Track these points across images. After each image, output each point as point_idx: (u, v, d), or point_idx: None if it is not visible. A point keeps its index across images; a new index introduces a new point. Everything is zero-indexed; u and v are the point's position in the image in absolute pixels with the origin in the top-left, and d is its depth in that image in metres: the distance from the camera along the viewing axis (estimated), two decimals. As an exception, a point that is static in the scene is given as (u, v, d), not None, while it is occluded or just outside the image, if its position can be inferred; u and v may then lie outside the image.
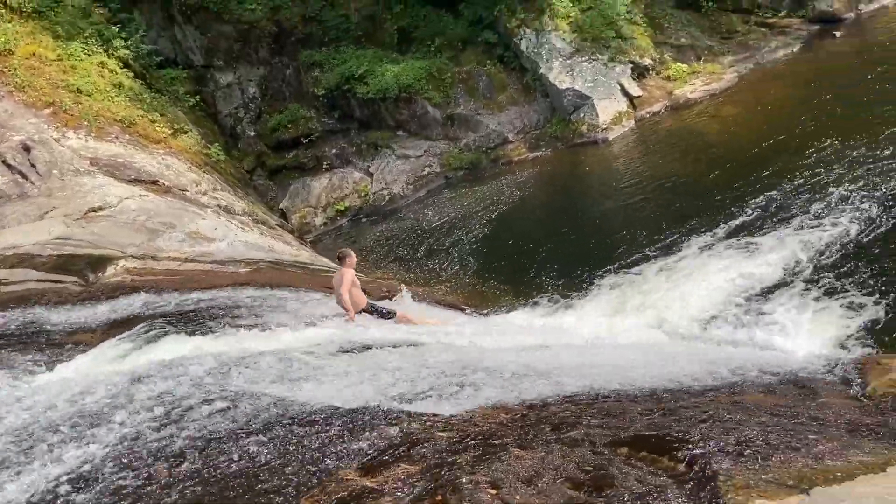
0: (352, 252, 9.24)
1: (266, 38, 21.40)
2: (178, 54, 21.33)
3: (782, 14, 21.67)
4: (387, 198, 19.08)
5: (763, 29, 21.46)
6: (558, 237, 13.34)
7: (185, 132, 17.66)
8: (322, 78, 20.80)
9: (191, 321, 8.33)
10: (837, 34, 20.15)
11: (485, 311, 10.90)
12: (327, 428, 4.38)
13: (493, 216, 15.75)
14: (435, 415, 4.54)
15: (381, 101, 20.13)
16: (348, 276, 8.80)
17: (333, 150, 20.42)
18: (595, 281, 10.86)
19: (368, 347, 7.14)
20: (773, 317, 8.40)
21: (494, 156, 19.49)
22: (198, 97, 20.54)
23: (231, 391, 5.33)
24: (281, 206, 19.43)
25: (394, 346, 7.28)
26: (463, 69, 20.67)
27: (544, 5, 20.30)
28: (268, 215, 17.47)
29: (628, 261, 11.16)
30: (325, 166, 20.16)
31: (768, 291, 9.03)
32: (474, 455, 3.75)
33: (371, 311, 9.01)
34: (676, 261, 10.54)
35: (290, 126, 20.69)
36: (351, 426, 4.38)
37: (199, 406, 5.00)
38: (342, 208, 19.08)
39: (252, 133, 21.13)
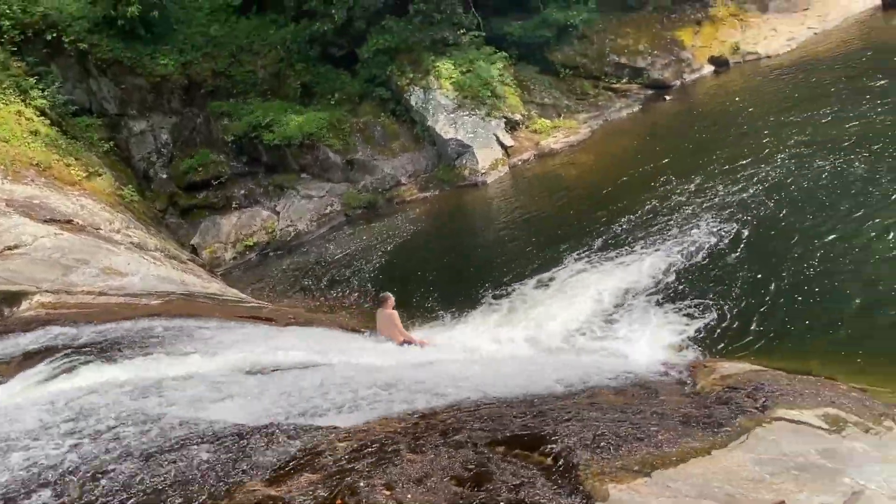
0: (390, 294, 9.52)
1: (178, 90, 20.70)
2: (93, 104, 20.27)
3: (624, 81, 22.99)
4: (292, 234, 18.71)
5: (609, 92, 22.64)
6: (446, 264, 13.46)
7: (100, 175, 16.75)
8: (231, 126, 20.28)
9: (105, 351, 7.83)
10: (668, 97, 21.61)
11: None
12: (235, 445, 4.23)
13: (389, 248, 15.72)
14: (336, 427, 4.47)
15: (287, 147, 19.82)
16: (395, 317, 9.20)
17: (242, 191, 19.87)
18: (479, 301, 10.97)
19: (276, 369, 6.95)
20: (623, 329, 8.68)
21: (389, 196, 19.49)
22: (112, 143, 19.56)
23: (144, 415, 5.05)
24: (192, 242, 18.66)
25: (301, 367, 7.11)
26: (360, 120, 20.66)
27: (430, 67, 20.67)
28: (179, 251, 16.73)
29: (507, 283, 11.36)
30: (234, 205, 19.56)
31: (620, 307, 9.37)
32: (371, 461, 3.72)
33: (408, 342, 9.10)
34: (548, 281, 10.85)
35: (200, 169, 19.99)
36: (257, 442, 4.24)
37: (113, 429, 4.71)
38: (251, 244, 18.54)
39: (164, 175, 20.27)
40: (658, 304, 9.06)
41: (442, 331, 10.13)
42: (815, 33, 23.67)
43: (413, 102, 20.29)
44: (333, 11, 20.70)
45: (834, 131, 13.45)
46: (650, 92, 22.65)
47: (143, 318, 9.54)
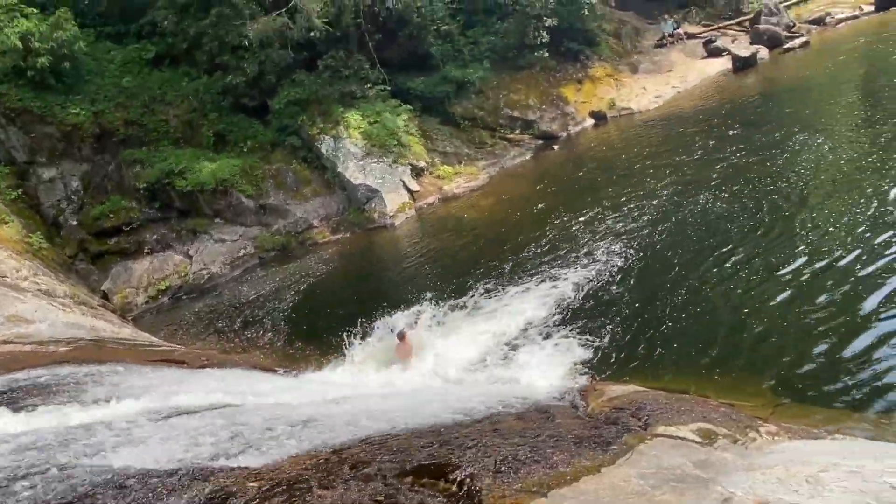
0: (405, 330, 9.85)
1: (89, 138, 19.60)
2: (1, 152, 18.88)
3: (517, 131, 23.82)
4: (206, 277, 17.94)
5: (504, 142, 23.38)
6: (357, 301, 13.25)
7: (7, 223, 15.55)
8: (143, 173, 19.37)
9: (11, 401, 7.13)
10: (556, 146, 22.55)
11: (295, 371, 10.43)
12: (143, 491, 3.92)
13: (301, 288, 15.35)
14: (246, 467, 4.23)
15: (200, 192, 19.11)
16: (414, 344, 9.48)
17: (154, 236, 18.92)
18: (387, 336, 10.81)
19: (187, 412, 6.53)
20: (524, 358, 8.75)
21: (302, 238, 19.12)
22: (20, 191, 18.22)
23: (49, 464, 4.60)
24: (103, 287, 17.51)
25: (213, 409, 6.73)
26: (273, 167, 20.28)
27: (339, 118, 20.66)
28: (90, 297, 15.65)
29: (414, 316, 11.27)
30: (146, 250, 18.58)
31: (521, 336, 9.48)
32: (281, 500, 3.54)
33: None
34: (455, 314, 10.86)
35: (112, 215, 18.90)
36: (166, 486, 3.95)
37: (15, 481, 4.25)
38: (163, 287, 17.61)
39: (74, 222, 19.01)
40: (555, 332, 9.26)
41: (353, 368, 9.91)
42: (678, 91, 25.46)
43: (324, 150, 20.16)
44: (245, 65, 20.39)
45: (702, 172, 14.38)
46: (540, 142, 23.53)
47: (51, 366, 8.79)
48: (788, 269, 8.90)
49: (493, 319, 10.12)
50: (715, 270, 9.56)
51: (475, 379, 8.31)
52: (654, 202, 13.44)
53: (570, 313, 9.75)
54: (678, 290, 9.28)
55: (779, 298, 8.17)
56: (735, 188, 12.69)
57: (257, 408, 6.72)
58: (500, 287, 11.48)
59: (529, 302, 10.46)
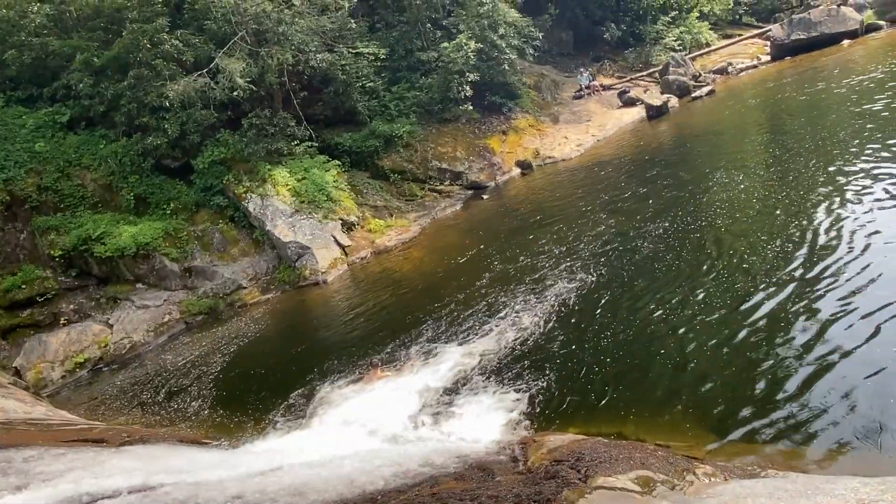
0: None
1: (-2, 206, 18.58)
2: None
3: (447, 183, 24.20)
4: (128, 346, 16.99)
5: (434, 193, 23.69)
6: (291, 362, 12.81)
7: None
8: (58, 240, 18.41)
9: None
10: (485, 196, 22.96)
11: (226, 442, 9.89)
12: None
13: (230, 351, 14.74)
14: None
15: (120, 258, 18.27)
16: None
17: (71, 306, 17.87)
18: (324, 396, 10.44)
19: (104, 497, 6.03)
20: (462, 411, 8.60)
21: (231, 300, 18.52)
22: (-82, 264, 16.97)
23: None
24: (15, 364, 16.30)
25: (134, 492, 6.24)
26: (198, 228, 19.74)
27: (266, 176, 20.43)
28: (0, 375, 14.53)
29: (350, 374, 10.98)
30: (62, 321, 17.48)
31: (458, 389, 9.32)
32: None
33: None
34: (390, 368, 10.62)
35: (24, 286, 17.77)
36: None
37: None
38: (81, 360, 16.54)
39: (-19, 296, 17.76)
40: (492, 383, 9.15)
41: (284, 434, 9.49)
42: (598, 140, 26.60)
43: (251, 209, 19.80)
44: (166, 126, 19.96)
45: (629, 215, 14.83)
46: (470, 192, 23.97)
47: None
48: (721, 308, 9.18)
49: (429, 373, 9.95)
50: (649, 312, 9.76)
51: (412, 437, 8.07)
52: (586, 246, 13.76)
53: (506, 362, 9.70)
54: (614, 333, 9.40)
55: (714, 338, 8.37)
56: (660, 230, 13.16)
57: (181, 487, 6.28)
58: (434, 340, 11.36)
59: (464, 353, 10.36)
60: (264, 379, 12.34)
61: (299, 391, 10.96)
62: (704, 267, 10.68)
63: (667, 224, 13.37)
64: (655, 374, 8.01)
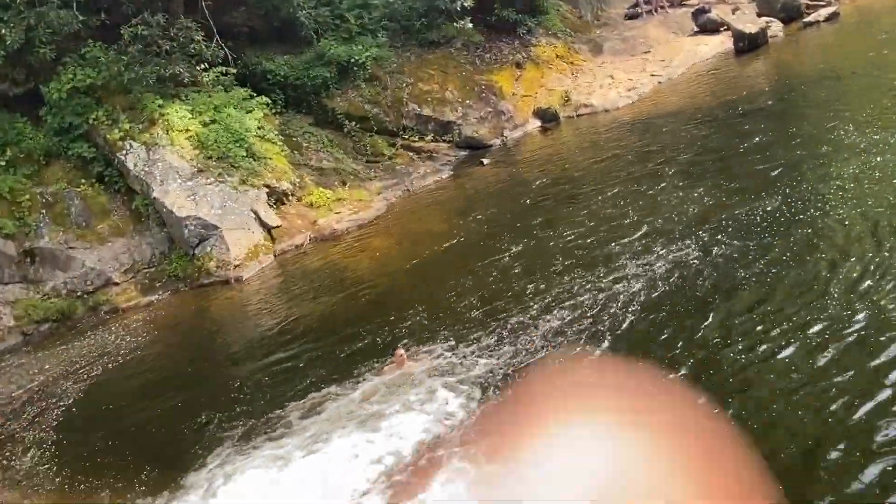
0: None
1: None
2: None
3: (429, 138, 24.14)
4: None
5: (411, 153, 23.60)
6: (183, 401, 12.66)
7: None
8: None
9: None
10: (486, 160, 22.81)
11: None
12: None
13: (91, 379, 14.57)
14: None
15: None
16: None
17: None
18: (239, 452, 10.45)
19: None
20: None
21: (95, 302, 18.31)
22: None
23: None
24: None
25: None
26: (47, 189, 19.52)
27: (156, 116, 20.18)
28: None
29: (279, 423, 10.95)
30: None
31: (419, 461, 9.32)
32: None
33: None
34: (320, 427, 10.53)
35: None
36: None
37: None
38: None
39: None
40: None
41: None
42: (660, 82, 26.64)
43: (131, 164, 19.63)
44: (2, 32, 19.59)
45: (704, 209, 14.75)
46: (463, 153, 23.92)
47: None
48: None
49: (381, 438, 9.95)
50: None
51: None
52: (633, 256, 13.54)
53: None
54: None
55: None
56: (759, 218, 13.28)
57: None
58: (394, 386, 11.19)
59: (435, 409, 10.35)
60: (138, 435, 12.13)
61: (205, 443, 10.93)
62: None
63: (769, 208, 13.46)
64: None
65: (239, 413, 11.73)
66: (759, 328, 10.14)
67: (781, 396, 8.65)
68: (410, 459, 9.36)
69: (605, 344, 10.81)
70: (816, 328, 9.72)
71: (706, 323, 10.63)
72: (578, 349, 10.86)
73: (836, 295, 10.33)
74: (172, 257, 19.22)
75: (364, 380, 11.59)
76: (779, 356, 9.42)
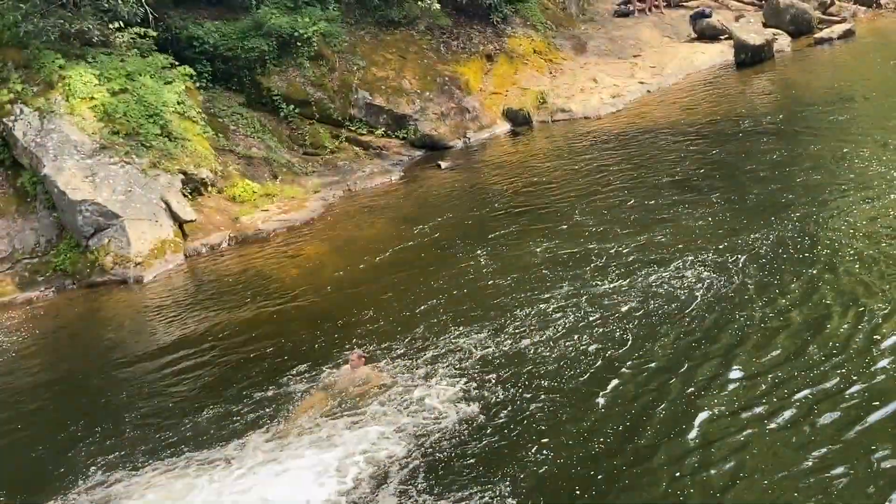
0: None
1: None
2: None
3: (379, 132, 24.14)
4: None
5: (356, 148, 23.56)
6: (65, 425, 11.95)
7: None
8: None
9: None
10: (444, 163, 22.72)
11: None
12: None
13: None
14: None
15: None
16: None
17: None
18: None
19: None
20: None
21: (-43, 296, 17.67)
22: None
23: None
24: None
25: None
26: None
27: (55, 78, 19.56)
28: None
29: (176, 460, 10.34)
30: None
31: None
32: None
33: None
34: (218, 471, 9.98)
35: None
36: None
37: None
38: None
39: None
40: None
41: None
42: (649, 91, 26.81)
43: (20, 133, 19.09)
44: None
45: (703, 219, 14.85)
46: (419, 153, 23.92)
47: None
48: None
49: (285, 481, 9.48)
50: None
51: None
52: (612, 275, 13.43)
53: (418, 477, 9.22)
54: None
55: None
56: (750, 258, 13.00)
57: None
58: (314, 419, 10.77)
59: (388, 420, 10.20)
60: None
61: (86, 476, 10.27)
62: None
63: (764, 248, 13.25)
64: None
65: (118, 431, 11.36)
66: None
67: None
68: None
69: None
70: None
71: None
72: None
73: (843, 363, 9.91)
74: (61, 247, 18.70)
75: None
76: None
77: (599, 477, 8.60)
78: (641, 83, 27.12)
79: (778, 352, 10.38)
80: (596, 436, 9.37)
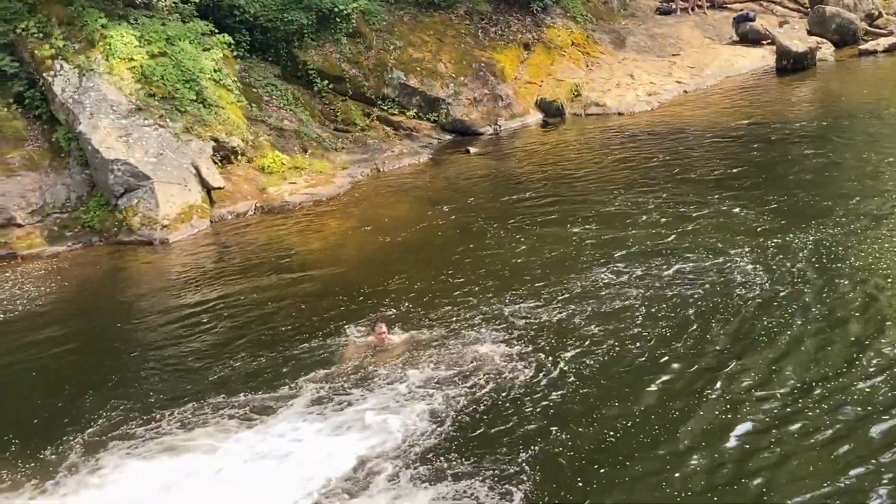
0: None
1: None
2: None
3: (412, 113, 24.08)
4: None
5: (387, 127, 23.60)
6: (80, 388, 12.10)
7: None
8: None
9: None
10: (472, 149, 22.85)
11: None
12: None
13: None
14: None
15: None
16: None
17: None
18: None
19: None
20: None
21: (-14, 243, 18.02)
22: None
23: None
24: None
25: None
26: (-47, 106, 19.24)
27: (96, 36, 19.87)
28: None
29: (193, 436, 10.34)
30: None
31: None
32: None
33: None
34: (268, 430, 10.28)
35: None
36: None
37: None
38: None
39: None
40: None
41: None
42: (686, 90, 26.69)
43: (59, 89, 19.37)
44: None
45: (737, 226, 14.82)
46: (448, 137, 24.00)
47: None
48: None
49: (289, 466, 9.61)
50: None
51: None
52: (641, 269, 13.56)
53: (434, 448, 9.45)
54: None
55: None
56: (785, 267, 13.10)
57: None
58: (327, 397, 10.90)
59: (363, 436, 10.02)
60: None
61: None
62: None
63: (808, 251, 13.38)
64: None
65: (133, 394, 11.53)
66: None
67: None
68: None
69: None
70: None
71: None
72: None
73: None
74: (91, 204, 18.97)
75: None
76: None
77: (629, 474, 8.65)
78: (679, 82, 27.11)
79: (830, 362, 10.34)
80: (634, 430, 9.40)
